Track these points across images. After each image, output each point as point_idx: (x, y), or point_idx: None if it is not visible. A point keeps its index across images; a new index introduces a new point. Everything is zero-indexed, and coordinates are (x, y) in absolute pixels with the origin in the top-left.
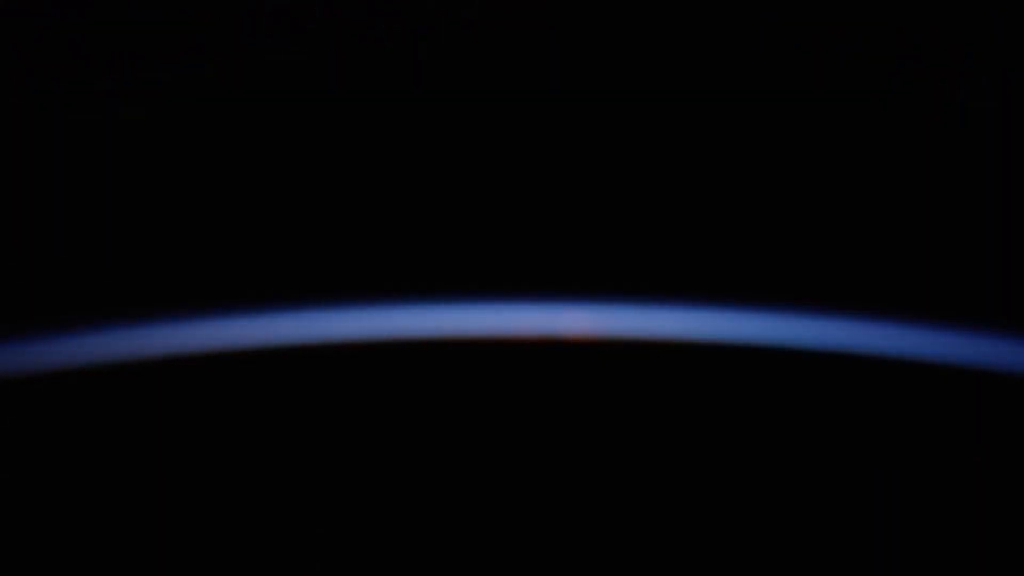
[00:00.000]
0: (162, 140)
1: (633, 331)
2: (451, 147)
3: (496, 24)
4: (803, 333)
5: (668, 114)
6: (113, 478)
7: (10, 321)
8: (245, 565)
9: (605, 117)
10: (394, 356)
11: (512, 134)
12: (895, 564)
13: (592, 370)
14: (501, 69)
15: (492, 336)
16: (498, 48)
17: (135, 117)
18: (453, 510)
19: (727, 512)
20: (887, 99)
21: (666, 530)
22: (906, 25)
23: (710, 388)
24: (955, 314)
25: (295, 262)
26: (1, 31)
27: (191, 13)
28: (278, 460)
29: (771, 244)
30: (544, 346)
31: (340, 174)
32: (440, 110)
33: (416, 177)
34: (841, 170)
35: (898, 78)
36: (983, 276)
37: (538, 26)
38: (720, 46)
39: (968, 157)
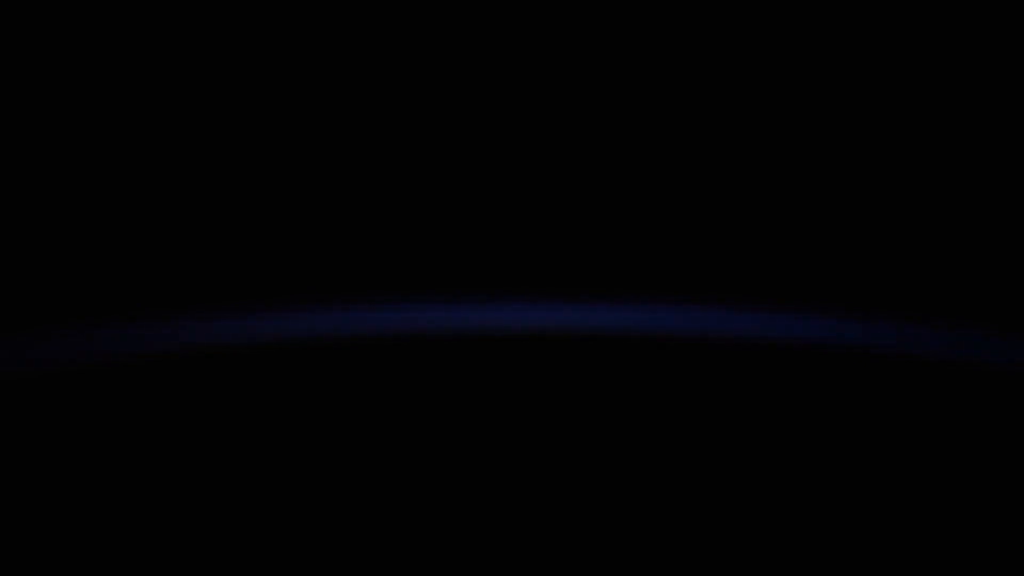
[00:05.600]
0: (161, 139)
1: (632, 330)
2: (449, 146)
3: (496, 24)
4: (801, 332)
5: (666, 114)
6: (113, 478)
7: (10, 321)
8: (245, 565)
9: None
10: (392, 355)
11: (510, 134)
12: (894, 564)
13: (591, 369)
14: (499, 69)
15: (490, 335)
16: (495, 48)
17: (135, 117)
18: (451, 510)
19: (726, 512)
20: (886, 99)
21: (665, 530)
22: (906, 24)
23: (709, 387)
24: (955, 314)
25: (294, 262)
26: (1, 31)
27: (191, 12)
28: (277, 460)
29: (769, 243)
30: (542, 345)
31: (339, 174)
32: (438, 109)
33: (414, 176)
34: (839, 169)
35: (898, 78)
36: (983, 276)
37: (536, 26)
38: (715, 45)
39: (968, 156)
